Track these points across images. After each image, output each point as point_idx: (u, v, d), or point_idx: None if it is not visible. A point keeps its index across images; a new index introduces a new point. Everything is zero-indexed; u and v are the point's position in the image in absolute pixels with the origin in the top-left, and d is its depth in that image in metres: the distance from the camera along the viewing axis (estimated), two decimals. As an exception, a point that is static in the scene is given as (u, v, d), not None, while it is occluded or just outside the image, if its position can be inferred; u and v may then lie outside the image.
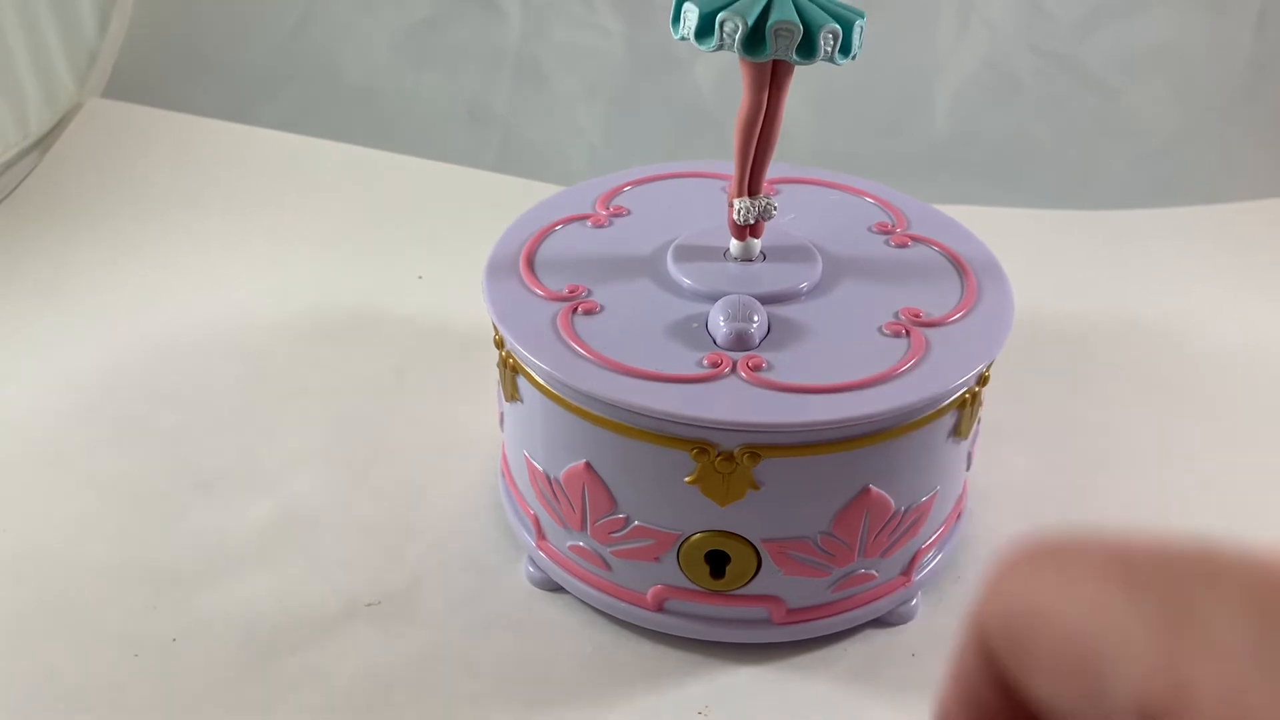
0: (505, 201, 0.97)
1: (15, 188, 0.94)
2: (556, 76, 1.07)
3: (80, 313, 0.82)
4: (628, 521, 0.54)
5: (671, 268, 0.58)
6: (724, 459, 0.50)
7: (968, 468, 0.60)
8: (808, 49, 0.50)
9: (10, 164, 0.95)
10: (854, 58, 0.51)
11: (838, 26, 0.50)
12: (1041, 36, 1.05)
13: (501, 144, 1.05)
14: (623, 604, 0.57)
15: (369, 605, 0.59)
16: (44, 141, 0.99)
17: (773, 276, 0.57)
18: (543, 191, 0.98)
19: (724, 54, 0.52)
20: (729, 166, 0.58)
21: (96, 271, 0.86)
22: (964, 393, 0.53)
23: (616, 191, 0.66)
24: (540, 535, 0.60)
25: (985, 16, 1.05)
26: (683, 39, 0.52)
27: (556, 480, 0.55)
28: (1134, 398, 0.77)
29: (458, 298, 0.83)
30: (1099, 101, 1.05)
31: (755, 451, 0.50)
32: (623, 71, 1.07)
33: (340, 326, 0.81)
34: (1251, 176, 1.01)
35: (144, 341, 0.78)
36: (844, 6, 0.51)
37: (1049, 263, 0.91)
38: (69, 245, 0.89)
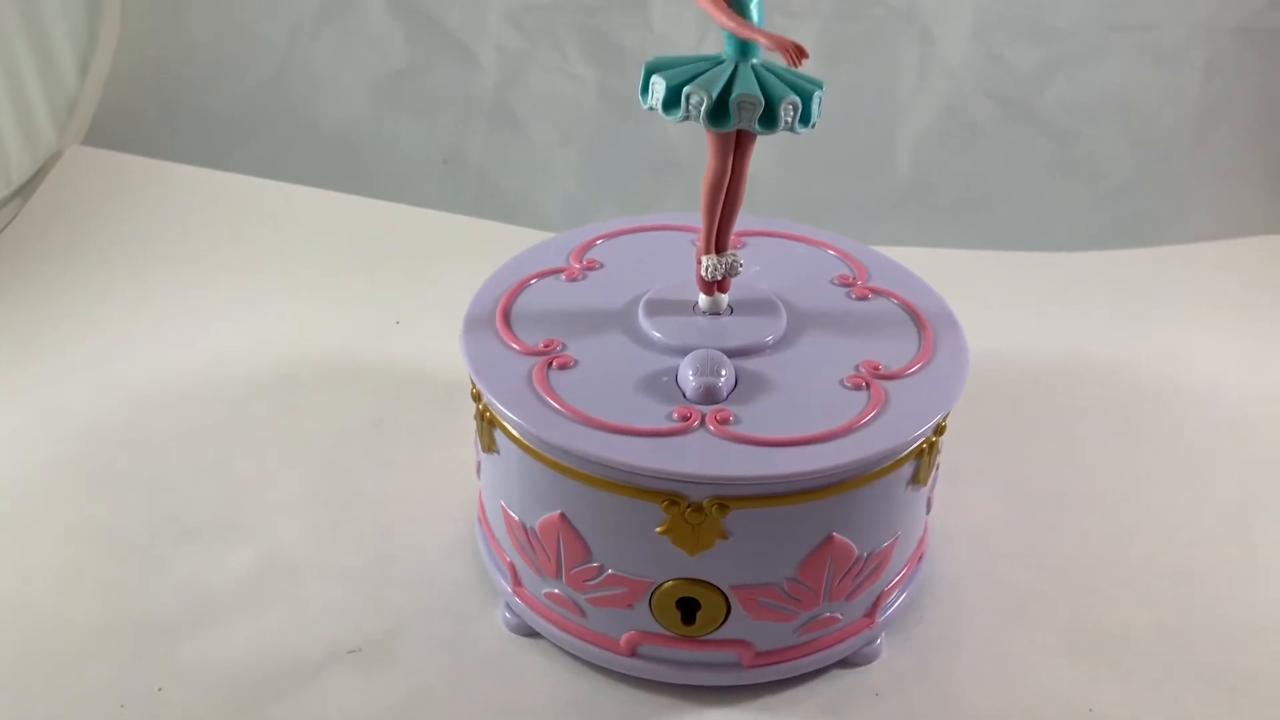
0: (481, 246, 1.00)
1: (-3, 236, 0.96)
2: (531, 124, 1.10)
3: (61, 361, 0.83)
4: (601, 570, 0.56)
5: (643, 322, 0.60)
6: (694, 510, 0.52)
7: (928, 511, 0.63)
8: (769, 120, 0.53)
9: (-9, 213, 0.96)
10: (813, 126, 0.54)
11: (797, 99, 0.53)
12: (999, 85, 1.09)
13: (477, 189, 1.07)
14: (597, 649, 0.59)
15: (350, 652, 0.61)
16: (25, 189, 1.00)
17: (739, 330, 0.60)
18: (517, 235, 1.01)
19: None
20: (697, 219, 0.60)
21: (77, 319, 0.88)
22: (922, 443, 0.56)
23: (589, 245, 0.69)
24: (517, 582, 0.61)
25: (945, 65, 1.09)
26: (651, 109, 0.55)
27: (533, 530, 0.57)
28: (1092, 437, 0.79)
29: (435, 343, 0.85)
30: (1055, 147, 1.09)
31: (724, 503, 0.52)
32: (595, 119, 1.09)
33: (319, 373, 0.83)
34: (1202, 219, 1.05)
35: (124, 390, 0.80)
36: (803, 77, 0.54)
37: (1008, 303, 0.94)
38: (50, 293, 0.90)
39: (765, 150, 0.58)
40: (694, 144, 1.07)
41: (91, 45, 1.09)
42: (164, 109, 1.09)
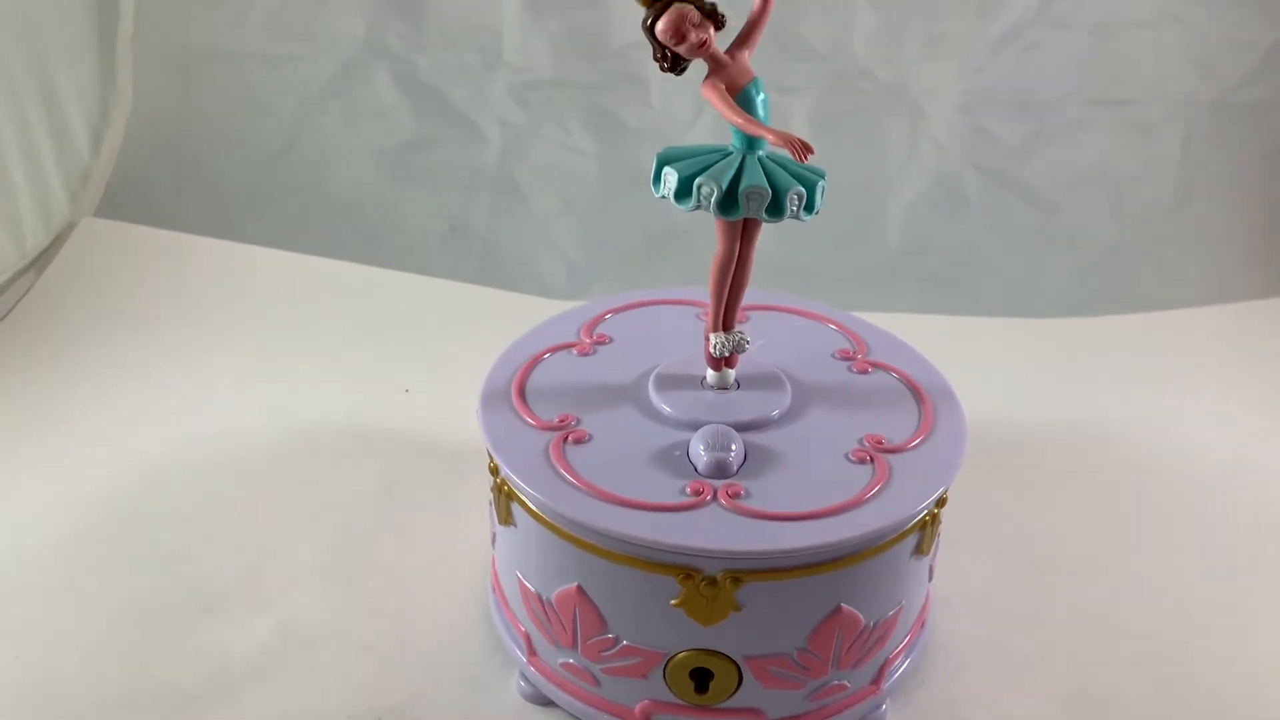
0: (486, 313, 1.03)
1: (13, 307, 0.97)
2: (533, 194, 1.13)
3: (77, 432, 0.84)
4: (617, 641, 0.58)
5: (653, 396, 0.63)
6: (708, 583, 0.54)
7: (930, 579, 0.65)
8: (775, 209, 0.56)
9: (8, 284, 0.98)
10: (816, 213, 0.57)
11: (802, 189, 0.56)
12: (985, 156, 1.13)
13: (481, 258, 1.10)
14: (611, 718, 0.61)
15: (370, 722, 0.62)
16: (40, 261, 1.02)
17: (746, 405, 0.62)
18: (521, 303, 1.04)
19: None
20: (701, 292, 0.63)
21: (93, 390, 0.89)
22: (925, 515, 0.58)
23: (599, 320, 0.71)
24: (532, 651, 0.63)
25: (932, 138, 1.13)
26: (663, 198, 0.58)
27: (549, 601, 0.59)
28: (1081, 501, 0.82)
29: (444, 410, 0.87)
30: (1040, 216, 1.13)
31: (736, 576, 0.54)
32: (596, 190, 1.13)
33: (331, 441, 0.85)
34: (1183, 286, 1.09)
35: (141, 461, 0.81)
36: (807, 168, 0.57)
37: (996, 369, 0.97)
38: (66, 364, 0.92)
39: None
40: (692, 214, 1.11)
41: (104, 119, 1.13)
42: (176, 181, 1.12)
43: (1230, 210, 1.13)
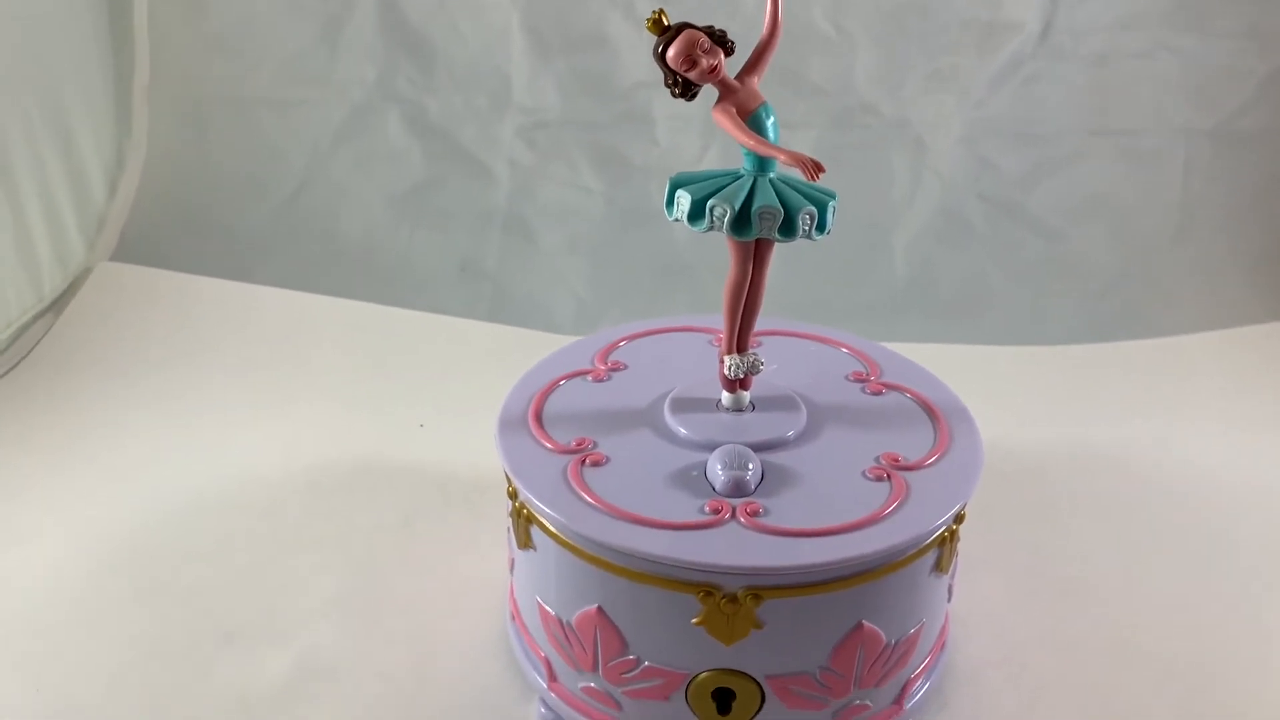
0: (497, 350, 1.04)
1: (32, 349, 0.98)
2: (542, 233, 1.15)
3: (97, 472, 0.85)
4: (638, 662, 0.58)
5: (669, 419, 0.63)
6: (728, 600, 0.55)
7: (949, 599, 0.65)
8: (788, 229, 0.57)
9: (26, 326, 1.00)
10: (828, 233, 0.58)
11: (814, 209, 0.57)
12: (989, 187, 1.15)
13: (493, 296, 1.11)
14: (634, 741, 0.60)
15: (390, 751, 0.62)
16: (57, 304, 1.04)
17: (762, 425, 0.63)
18: (532, 339, 1.05)
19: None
20: (713, 319, 0.63)
21: (110, 430, 0.90)
22: (943, 531, 0.58)
23: (613, 347, 0.72)
24: (552, 677, 0.63)
25: (936, 169, 1.15)
26: (676, 220, 0.59)
27: (569, 624, 0.59)
28: (1094, 524, 0.82)
29: (458, 444, 0.88)
30: (1045, 245, 1.14)
31: (757, 593, 0.54)
32: (604, 227, 1.14)
33: (347, 478, 0.85)
34: (1187, 311, 1.10)
35: (158, 499, 0.82)
36: (817, 188, 0.58)
37: (1005, 396, 0.97)
38: (84, 404, 0.93)
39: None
40: (699, 250, 1.13)
41: (120, 166, 1.15)
42: (189, 225, 1.14)
43: (1231, 236, 1.14)
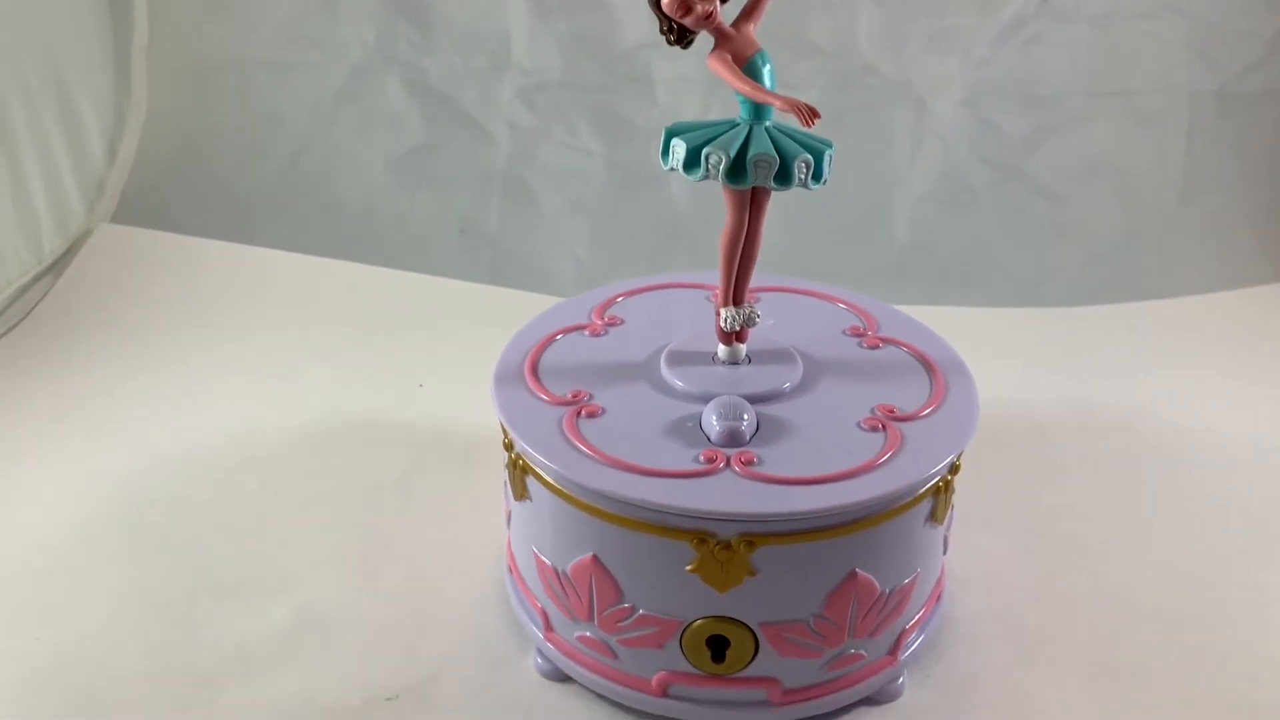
0: (497, 312, 1.04)
1: (31, 310, 0.99)
2: (542, 195, 1.14)
3: (97, 429, 0.85)
4: (633, 610, 0.58)
5: (665, 372, 0.63)
6: (722, 547, 0.55)
7: (944, 552, 0.65)
8: (784, 177, 0.56)
9: (26, 287, 1.00)
10: (824, 183, 0.58)
11: (810, 157, 0.56)
12: (992, 150, 1.14)
13: (492, 259, 1.11)
14: (629, 691, 0.61)
15: (388, 700, 0.62)
16: (57, 265, 1.04)
17: (758, 378, 0.63)
18: (532, 302, 1.05)
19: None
20: (712, 276, 0.63)
21: (111, 388, 0.90)
22: (938, 480, 0.58)
23: (610, 302, 0.72)
24: (548, 627, 0.63)
25: (938, 132, 1.14)
26: (671, 169, 0.58)
27: (565, 573, 0.59)
28: (1095, 483, 0.82)
29: (457, 404, 0.88)
30: (1048, 208, 1.13)
31: (751, 540, 0.54)
32: (604, 189, 1.14)
33: (347, 435, 0.86)
34: (1189, 273, 1.09)
35: (159, 456, 0.82)
36: (814, 137, 0.58)
37: (1008, 358, 0.97)
38: (84, 364, 0.93)
39: (770, 218, 0.61)
40: (698, 211, 1.12)
41: (119, 128, 1.14)
42: (190, 188, 1.14)
43: (1235, 197, 1.13)
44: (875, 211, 1.13)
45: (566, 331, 0.68)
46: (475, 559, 0.73)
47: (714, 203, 0.61)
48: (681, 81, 1.12)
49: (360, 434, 0.86)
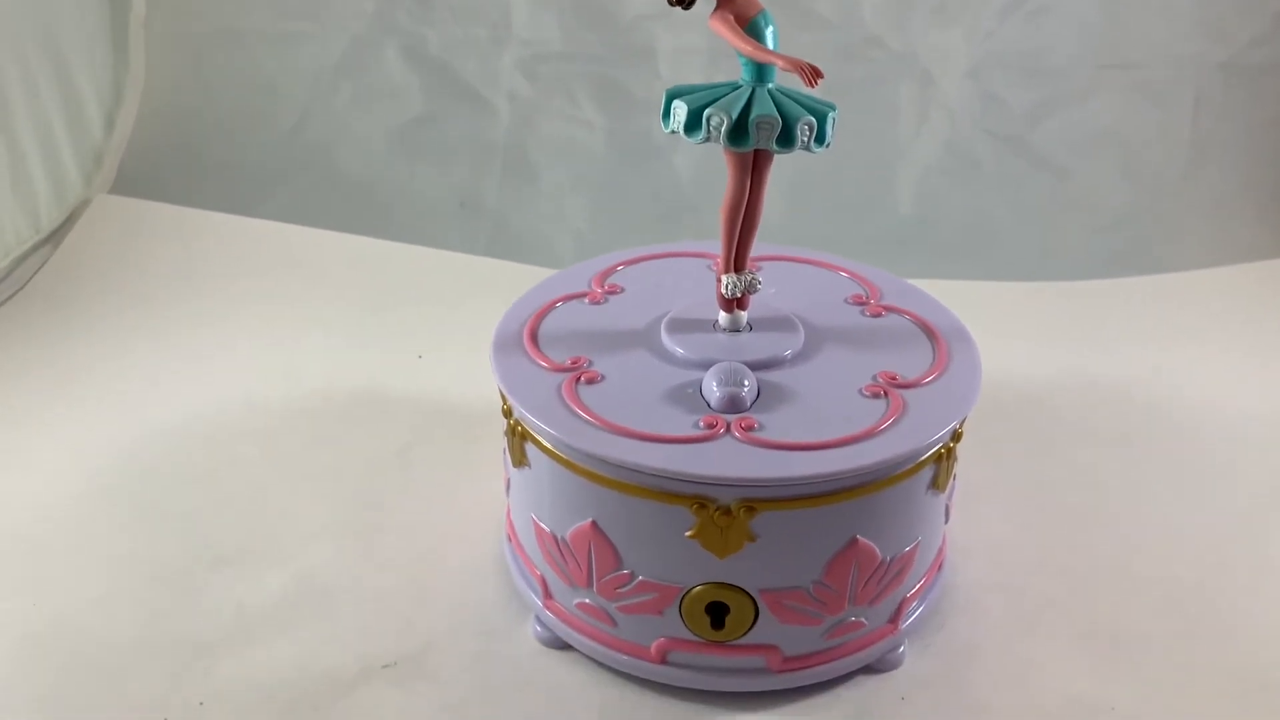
0: (497, 285, 1.02)
1: (29, 280, 0.98)
2: (543, 168, 1.13)
3: (95, 400, 0.85)
4: (632, 577, 0.58)
5: (665, 339, 0.63)
6: (722, 513, 0.54)
7: (946, 520, 0.64)
8: (786, 139, 0.56)
9: (23, 258, 0.99)
10: (828, 146, 0.57)
11: (813, 119, 0.55)
12: (996, 122, 1.13)
13: (492, 231, 1.10)
14: (628, 658, 0.60)
15: (385, 667, 0.62)
16: (55, 236, 1.03)
17: (759, 345, 0.62)
18: (532, 274, 1.03)
19: (701, 145, 0.57)
20: (714, 246, 0.63)
21: (109, 359, 0.90)
22: (940, 447, 0.58)
23: (610, 271, 0.71)
24: (547, 595, 0.63)
25: (943, 105, 1.13)
26: (672, 132, 0.58)
27: (564, 540, 0.59)
28: (1098, 455, 0.81)
29: (456, 376, 0.88)
30: (1052, 181, 1.12)
31: (751, 505, 0.54)
32: (605, 162, 1.13)
33: (345, 406, 0.85)
34: (1194, 247, 1.08)
35: (157, 426, 0.82)
36: (817, 100, 0.57)
37: (1012, 331, 0.96)
38: (82, 334, 0.93)
39: (770, 186, 0.61)
40: (700, 184, 1.12)
41: (117, 100, 1.14)
42: (187, 160, 1.13)
43: (1241, 171, 1.13)
44: (879, 184, 1.12)
45: (566, 299, 0.68)
46: (474, 529, 0.72)
47: (716, 176, 0.60)
48: (684, 53, 1.11)
49: (359, 405, 0.85)
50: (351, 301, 1.00)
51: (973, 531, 0.72)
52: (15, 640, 0.63)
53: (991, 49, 1.12)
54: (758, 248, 0.63)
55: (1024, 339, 0.96)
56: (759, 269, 0.69)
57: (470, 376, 0.85)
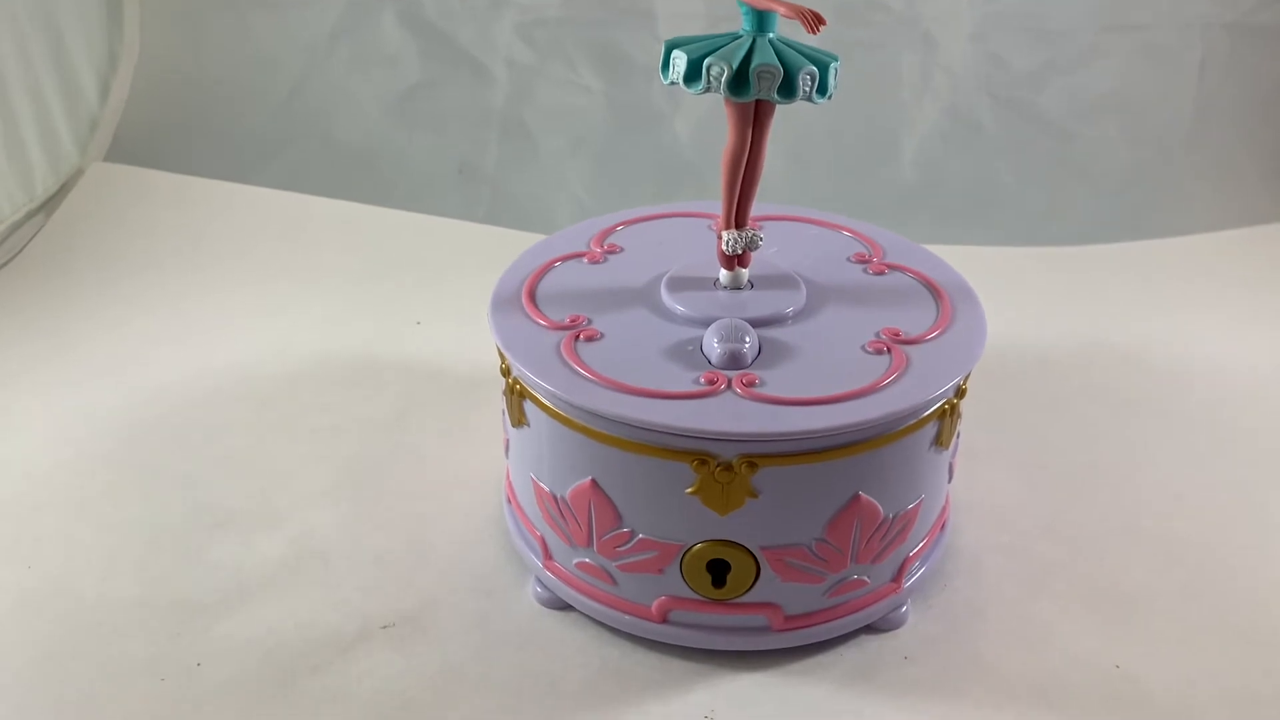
0: (495, 252, 1.01)
1: (23, 247, 0.98)
2: (541, 134, 1.12)
3: (91, 365, 0.84)
4: (632, 535, 0.57)
5: (666, 297, 0.62)
6: (723, 469, 0.54)
7: (949, 479, 0.64)
8: (788, 89, 0.55)
9: (18, 225, 0.99)
10: (830, 97, 0.56)
11: (815, 69, 0.55)
12: (1000, 85, 1.12)
13: (491, 198, 1.09)
14: (629, 617, 0.60)
15: (384, 628, 0.61)
16: (49, 204, 1.02)
17: (761, 302, 0.61)
18: (531, 241, 1.02)
19: (701, 106, 0.56)
20: (715, 206, 0.62)
21: (105, 325, 0.89)
22: (944, 404, 0.57)
23: (610, 231, 0.70)
24: (547, 555, 0.62)
25: (946, 67, 1.12)
26: (672, 84, 0.57)
27: (563, 499, 0.59)
28: (1102, 417, 0.81)
29: (454, 342, 0.87)
30: (1056, 145, 1.11)
31: (752, 461, 0.53)
32: (604, 127, 1.12)
33: (343, 371, 0.85)
34: (1199, 211, 1.07)
35: (154, 391, 0.81)
36: (819, 51, 0.56)
37: (1016, 295, 0.96)
38: (78, 301, 0.92)
39: (772, 151, 0.60)
40: (700, 147, 1.10)
41: (112, 67, 1.12)
42: (183, 127, 1.12)
43: (1247, 134, 1.11)
44: (881, 148, 1.11)
45: (565, 259, 0.67)
46: (473, 494, 0.72)
47: (717, 141, 0.59)
48: (683, 17, 1.10)
49: (357, 370, 0.85)
50: (349, 268, 0.99)
51: (976, 492, 0.72)
52: (10, 602, 0.62)
53: (994, 11, 1.10)
54: (759, 208, 0.62)
55: (1027, 303, 0.95)
56: (760, 227, 0.68)
57: (468, 343, 0.85)
